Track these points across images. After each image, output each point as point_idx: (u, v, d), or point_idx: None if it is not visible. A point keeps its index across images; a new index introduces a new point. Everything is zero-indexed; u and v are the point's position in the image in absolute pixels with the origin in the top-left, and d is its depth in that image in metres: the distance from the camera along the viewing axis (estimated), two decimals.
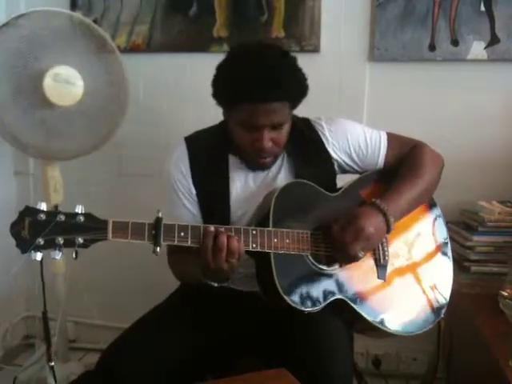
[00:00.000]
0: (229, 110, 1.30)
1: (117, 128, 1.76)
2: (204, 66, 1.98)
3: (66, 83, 1.59)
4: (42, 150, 1.71)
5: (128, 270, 2.17)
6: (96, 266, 2.13)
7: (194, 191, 1.37)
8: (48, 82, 1.57)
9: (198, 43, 2.00)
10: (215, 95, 1.30)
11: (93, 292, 2.14)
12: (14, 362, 2.20)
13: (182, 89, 2.04)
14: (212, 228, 1.15)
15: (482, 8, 1.81)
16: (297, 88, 1.27)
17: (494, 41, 1.82)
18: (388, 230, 1.27)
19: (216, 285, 1.23)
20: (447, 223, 1.47)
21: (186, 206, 1.37)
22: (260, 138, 1.26)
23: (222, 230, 1.15)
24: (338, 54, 1.92)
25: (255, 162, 1.35)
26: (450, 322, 1.51)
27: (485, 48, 1.83)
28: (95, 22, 2.02)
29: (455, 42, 1.84)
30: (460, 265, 1.71)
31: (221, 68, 1.29)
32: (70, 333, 2.20)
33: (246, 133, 1.27)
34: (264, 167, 1.37)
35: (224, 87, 1.27)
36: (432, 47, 1.85)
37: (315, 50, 1.92)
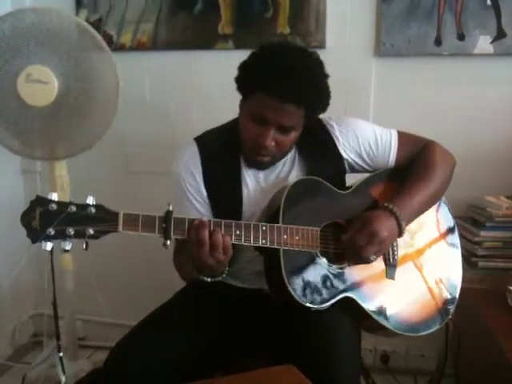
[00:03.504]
0: (245, 96, 1.30)
1: (103, 127, 1.69)
2: (209, 63, 2.02)
3: (38, 83, 1.56)
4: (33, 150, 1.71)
5: (137, 267, 2.18)
6: (105, 264, 2.15)
7: (204, 193, 1.36)
8: (21, 84, 1.55)
9: (203, 40, 2.00)
10: (238, 78, 1.29)
11: (102, 290, 2.14)
12: (23, 360, 2.22)
13: (188, 86, 2.04)
14: (196, 221, 1.14)
15: (489, 2, 1.80)
16: (317, 101, 1.26)
17: (500, 35, 1.81)
18: (400, 234, 1.27)
19: (209, 280, 1.23)
20: (455, 218, 1.46)
21: (196, 208, 1.36)
22: (264, 134, 1.25)
23: (206, 223, 1.14)
24: (343, 50, 1.92)
25: (253, 159, 1.34)
26: (458, 318, 1.51)
27: (491, 42, 1.82)
28: (100, 20, 2.03)
29: (461, 37, 1.83)
30: (467, 260, 1.71)
31: (253, 55, 1.28)
32: (79, 330, 2.21)
33: (252, 124, 1.27)
34: (261, 166, 1.36)
35: (248, 72, 1.27)
36: (438, 42, 1.84)
37: (321, 45, 1.91)
